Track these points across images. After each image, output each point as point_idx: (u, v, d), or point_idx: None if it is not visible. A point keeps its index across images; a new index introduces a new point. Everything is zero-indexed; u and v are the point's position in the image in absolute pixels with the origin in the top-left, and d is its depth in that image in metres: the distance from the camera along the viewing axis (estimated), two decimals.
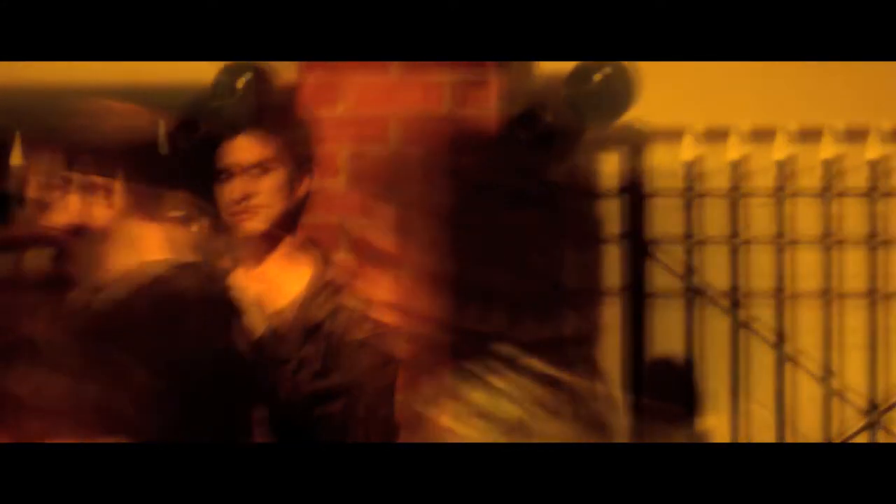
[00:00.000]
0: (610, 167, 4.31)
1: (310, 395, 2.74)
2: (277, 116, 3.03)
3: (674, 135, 4.26)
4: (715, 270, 4.27)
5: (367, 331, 2.78)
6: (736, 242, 4.24)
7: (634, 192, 4.28)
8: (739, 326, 4.23)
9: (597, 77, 4.01)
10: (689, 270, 4.28)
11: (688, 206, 4.26)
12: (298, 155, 2.95)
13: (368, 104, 3.85)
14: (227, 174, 2.91)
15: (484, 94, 3.84)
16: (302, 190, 2.94)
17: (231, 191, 2.88)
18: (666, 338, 4.30)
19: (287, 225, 2.93)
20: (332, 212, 3.54)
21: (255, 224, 2.88)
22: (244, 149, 2.91)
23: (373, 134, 3.79)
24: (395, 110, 3.78)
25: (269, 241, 2.91)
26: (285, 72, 3.92)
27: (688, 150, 4.25)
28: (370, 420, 2.74)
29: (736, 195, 4.24)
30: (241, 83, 4.00)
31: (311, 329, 2.84)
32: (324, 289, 2.88)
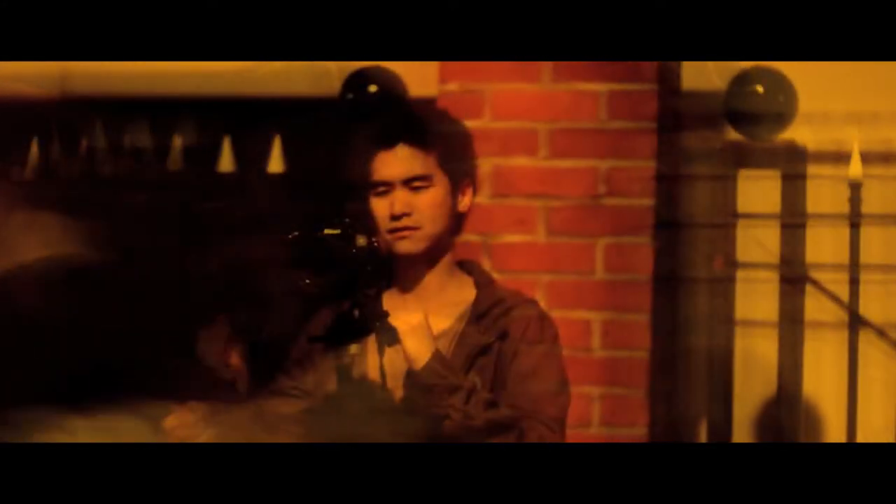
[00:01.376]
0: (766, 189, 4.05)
1: (482, 427, 2.47)
2: (438, 124, 2.72)
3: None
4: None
5: (539, 355, 2.54)
6: None
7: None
8: None
9: (759, 88, 3.79)
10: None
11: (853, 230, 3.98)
12: (460, 166, 2.68)
13: (515, 114, 3.63)
14: (384, 189, 2.64)
15: (642, 106, 3.60)
16: (464, 205, 2.69)
17: (388, 207, 2.61)
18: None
19: (446, 243, 2.66)
20: (474, 228, 3.32)
21: (415, 243, 2.61)
22: (403, 160, 2.63)
23: (520, 146, 3.58)
24: (544, 121, 3.57)
25: (429, 259, 2.64)
26: (424, 82, 3.74)
27: (854, 168, 3.97)
28: None
29: None
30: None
31: (478, 354, 2.58)
32: (490, 310, 2.61)
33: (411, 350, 2.51)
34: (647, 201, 3.59)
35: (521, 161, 3.64)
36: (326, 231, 2.52)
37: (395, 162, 2.62)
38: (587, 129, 3.59)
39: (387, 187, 2.62)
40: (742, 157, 4.00)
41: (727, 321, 3.97)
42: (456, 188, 2.66)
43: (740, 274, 4.03)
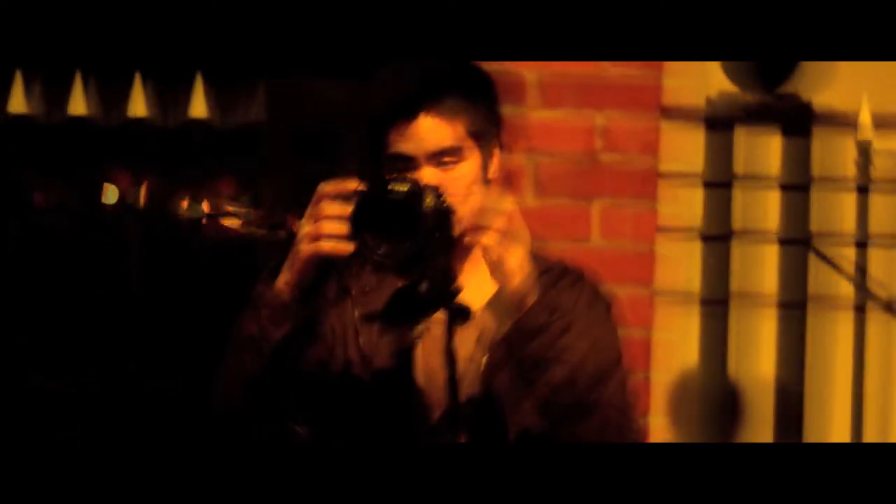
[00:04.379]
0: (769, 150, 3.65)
1: (592, 371, 2.06)
2: (465, 91, 2.18)
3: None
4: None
5: (594, 329, 2.12)
6: None
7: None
8: None
9: None
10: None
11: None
12: (490, 128, 2.22)
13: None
14: (404, 165, 2.15)
15: None
16: (494, 171, 2.21)
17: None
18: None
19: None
20: None
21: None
22: (428, 132, 2.14)
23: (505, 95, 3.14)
24: (533, 67, 3.13)
25: (463, 243, 2.12)
26: None
27: (864, 132, 3.61)
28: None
29: None
30: None
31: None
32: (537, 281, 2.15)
33: (518, 286, 2.04)
34: (651, 159, 3.16)
35: (506, 111, 3.18)
36: (393, 187, 2.03)
37: (419, 135, 2.13)
38: (582, 77, 3.15)
39: (408, 163, 2.14)
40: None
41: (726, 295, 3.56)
42: (488, 155, 2.20)
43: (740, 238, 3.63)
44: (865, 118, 3.63)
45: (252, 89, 5.44)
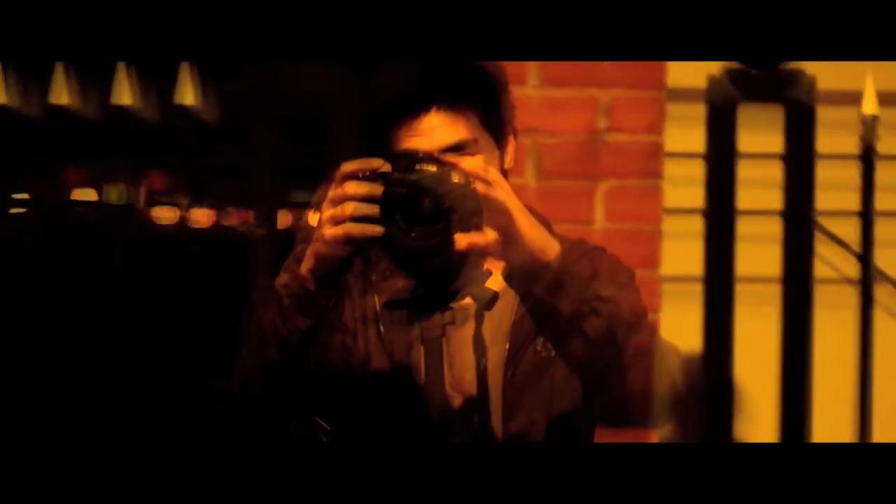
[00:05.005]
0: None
1: (628, 315, 1.94)
2: (476, 80, 2.09)
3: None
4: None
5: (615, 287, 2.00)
6: None
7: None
8: None
9: None
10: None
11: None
12: (503, 116, 2.12)
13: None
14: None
15: None
16: (510, 160, 2.13)
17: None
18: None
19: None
20: None
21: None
22: (444, 125, 2.05)
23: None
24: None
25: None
26: None
27: (868, 106, 3.53)
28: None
29: None
30: None
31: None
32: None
33: (539, 241, 1.91)
34: (657, 137, 3.08)
35: None
36: (422, 167, 1.91)
37: (432, 130, 2.04)
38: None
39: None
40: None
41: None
42: (502, 144, 2.11)
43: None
44: (870, 93, 3.56)
45: (239, 79, 5.36)
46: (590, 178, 3.11)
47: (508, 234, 1.88)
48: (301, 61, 3.25)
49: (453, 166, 1.91)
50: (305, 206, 5.34)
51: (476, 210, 1.88)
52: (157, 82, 5.17)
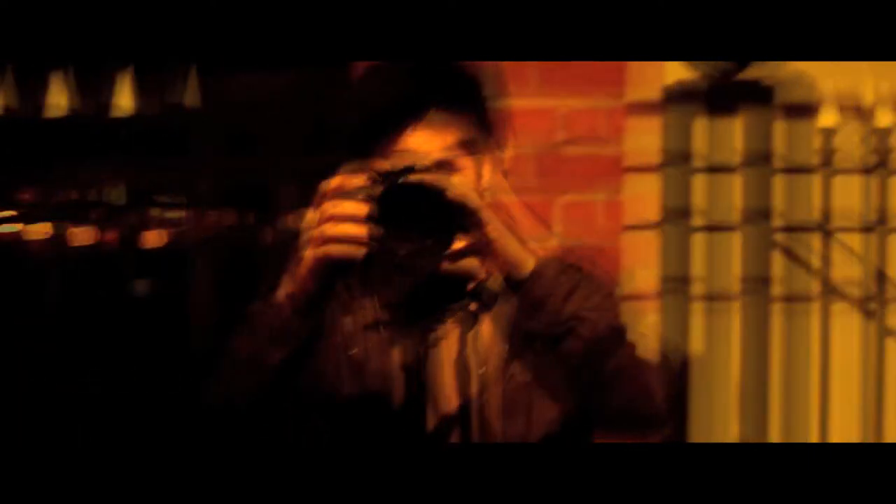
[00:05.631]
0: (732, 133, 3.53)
1: (613, 329, 1.86)
2: (464, 89, 1.99)
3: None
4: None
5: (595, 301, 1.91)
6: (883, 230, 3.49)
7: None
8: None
9: None
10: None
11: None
12: (487, 140, 2.01)
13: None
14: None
15: None
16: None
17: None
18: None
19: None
20: None
21: None
22: (419, 144, 1.94)
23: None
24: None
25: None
26: None
27: (827, 118, 3.50)
28: None
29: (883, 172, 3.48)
30: None
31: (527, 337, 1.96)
32: None
33: (514, 254, 1.82)
34: (616, 148, 3.01)
35: None
36: (406, 181, 1.80)
37: (406, 148, 1.94)
38: (544, 64, 3.00)
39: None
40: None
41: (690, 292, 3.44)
42: (480, 163, 2.00)
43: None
44: (829, 103, 3.52)
45: (182, 81, 5.26)
46: (548, 191, 3.05)
47: (483, 248, 1.81)
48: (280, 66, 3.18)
49: (437, 179, 1.82)
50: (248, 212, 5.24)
51: (461, 224, 1.81)
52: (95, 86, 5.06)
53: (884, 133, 3.53)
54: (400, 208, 1.79)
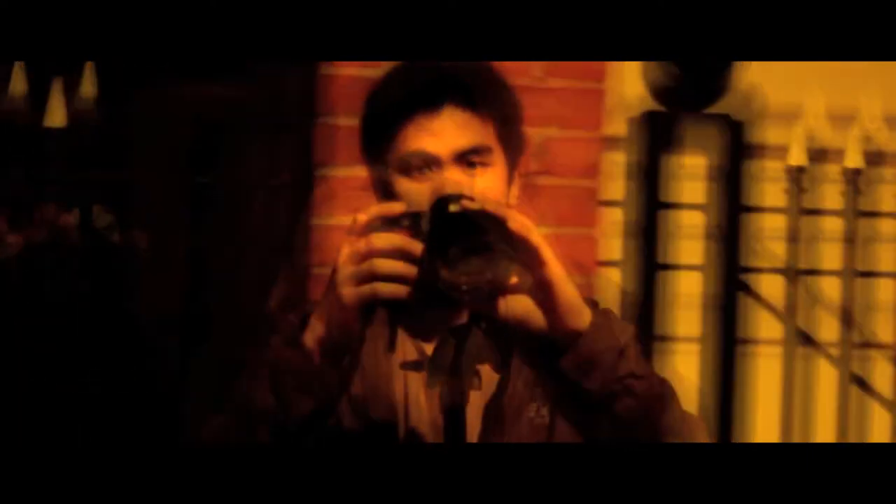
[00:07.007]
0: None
1: (657, 391, 1.67)
2: (492, 79, 1.79)
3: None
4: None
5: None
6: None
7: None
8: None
9: None
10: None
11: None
12: (517, 130, 1.81)
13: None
14: (424, 167, 1.76)
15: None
16: (516, 185, 1.81)
17: (432, 192, 1.70)
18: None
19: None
20: None
21: None
22: (459, 125, 1.75)
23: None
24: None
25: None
26: None
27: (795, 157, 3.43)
28: None
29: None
30: None
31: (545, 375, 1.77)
32: None
33: (573, 302, 1.59)
34: (592, 182, 2.87)
35: None
36: (455, 207, 1.56)
37: (445, 129, 1.75)
38: (518, 89, 2.85)
39: (429, 165, 1.75)
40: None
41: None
42: (515, 162, 1.81)
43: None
44: (797, 143, 3.45)
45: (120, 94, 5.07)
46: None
47: (541, 290, 1.59)
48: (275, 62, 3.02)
49: (498, 208, 1.63)
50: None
51: (512, 256, 1.62)
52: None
53: (853, 174, 3.47)
54: (452, 239, 1.57)
